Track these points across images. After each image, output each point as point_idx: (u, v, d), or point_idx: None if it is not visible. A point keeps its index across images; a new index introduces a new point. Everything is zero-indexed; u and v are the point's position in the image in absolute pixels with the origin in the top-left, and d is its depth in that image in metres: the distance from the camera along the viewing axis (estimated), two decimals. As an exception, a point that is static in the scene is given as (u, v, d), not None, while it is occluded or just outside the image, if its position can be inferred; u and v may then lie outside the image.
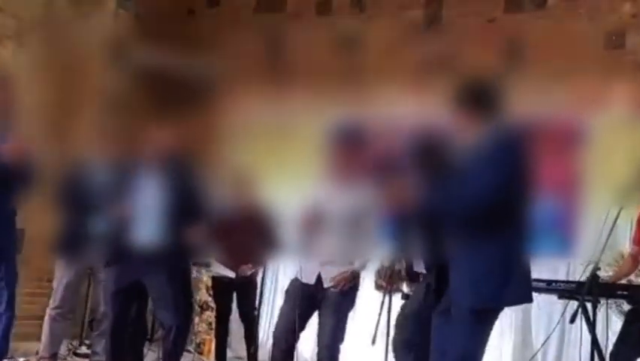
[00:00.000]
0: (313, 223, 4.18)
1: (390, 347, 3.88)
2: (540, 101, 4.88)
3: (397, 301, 4.84)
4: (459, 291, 3.05)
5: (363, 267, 4.36)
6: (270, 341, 4.34)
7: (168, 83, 5.68)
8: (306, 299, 4.15)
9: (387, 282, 5.00)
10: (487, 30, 5.95)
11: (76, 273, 4.82)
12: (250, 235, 5.03)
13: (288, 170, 5.66)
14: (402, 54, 5.94)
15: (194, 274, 5.25)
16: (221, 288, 5.41)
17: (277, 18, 6.82)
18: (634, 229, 4.41)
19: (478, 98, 3.09)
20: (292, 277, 4.37)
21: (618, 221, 3.58)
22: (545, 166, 3.38)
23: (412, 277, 4.18)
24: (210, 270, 5.42)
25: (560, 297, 4.11)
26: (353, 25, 6.44)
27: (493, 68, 4.67)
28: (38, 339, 4.89)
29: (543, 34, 5.71)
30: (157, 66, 5.56)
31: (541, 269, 3.82)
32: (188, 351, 5.63)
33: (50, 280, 4.99)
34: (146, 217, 4.08)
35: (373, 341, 4.10)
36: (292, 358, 4.21)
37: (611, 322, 4.34)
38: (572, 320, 3.41)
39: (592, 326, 3.72)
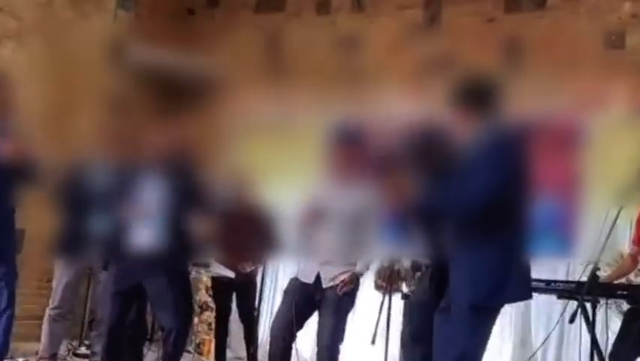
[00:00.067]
0: (313, 220, 4.17)
1: (389, 347, 3.89)
2: (539, 101, 4.87)
3: (397, 302, 4.86)
4: (459, 290, 3.05)
5: (366, 269, 4.34)
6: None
7: (168, 83, 5.66)
8: (304, 298, 4.15)
9: (387, 282, 5.01)
10: (486, 30, 5.95)
11: (76, 273, 4.82)
12: (250, 235, 5.03)
13: (288, 170, 5.64)
14: (401, 54, 5.93)
15: (193, 274, 5.24)
16: (220, 288, 5.41)
17: (277, 18, 6.83)
18: (634, 228, 4.41)
19: (476, 95, 3.09)
20: (292, 276, 4.38)
21: (618, 221, 3.59)
22: (545, 166, 3.38)
23: (415, 267, 4.16)
24: (210, 270, 5.41)
25: (559, 297, 4.11)
26: (353, 25, 6.44)
27: (492, 68, 4.67)
28: (38, 339, 4.89)
29: (543, 34, 5.71)
30: (157, 66, 5.55)
31: (540, 269, 3.82)
32: (188, 351, 5.62)
33: (50, 280, 4.99)
34: (146, 218, 4.07)
35: (373, 341, 4.11)
36: (290, 356, 4.20)
37: (611, 322, 4.34)
38: (572, 320, 3.41)
39: (591, 325, 3.72)
